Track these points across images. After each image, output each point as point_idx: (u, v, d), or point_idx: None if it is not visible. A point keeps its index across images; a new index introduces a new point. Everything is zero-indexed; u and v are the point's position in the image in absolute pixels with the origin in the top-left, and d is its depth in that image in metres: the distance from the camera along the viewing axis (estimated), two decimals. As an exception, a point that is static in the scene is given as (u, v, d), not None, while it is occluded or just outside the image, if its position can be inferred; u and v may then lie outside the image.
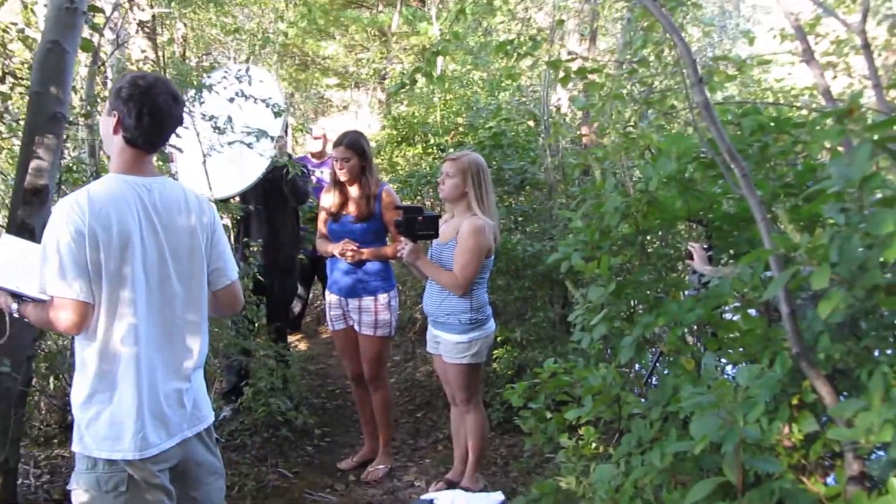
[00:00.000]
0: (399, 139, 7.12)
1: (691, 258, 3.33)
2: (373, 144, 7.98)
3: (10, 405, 3.82)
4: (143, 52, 8.42)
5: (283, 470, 4.80)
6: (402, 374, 6.68)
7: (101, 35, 4.38)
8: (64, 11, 3.63)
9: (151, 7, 8.26)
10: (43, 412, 6.25)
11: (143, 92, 2.43)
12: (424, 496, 3.01)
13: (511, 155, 5.60)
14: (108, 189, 2.45)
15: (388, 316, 4.52)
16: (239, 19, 11.16)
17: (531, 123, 6.21)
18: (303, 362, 6.95)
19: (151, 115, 2.45)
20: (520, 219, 5.77)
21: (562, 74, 2.17)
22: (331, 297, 4.66)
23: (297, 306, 7.47)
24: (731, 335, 2.50)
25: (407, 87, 2.84)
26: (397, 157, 7.35)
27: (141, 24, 8.43)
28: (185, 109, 2.60)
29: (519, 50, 2.62)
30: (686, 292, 3.30)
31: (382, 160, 7.55)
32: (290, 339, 7.70)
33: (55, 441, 5.89)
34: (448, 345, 4.11)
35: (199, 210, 2.63)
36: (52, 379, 6.02)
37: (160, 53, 8.77)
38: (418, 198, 6.48)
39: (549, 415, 3.05)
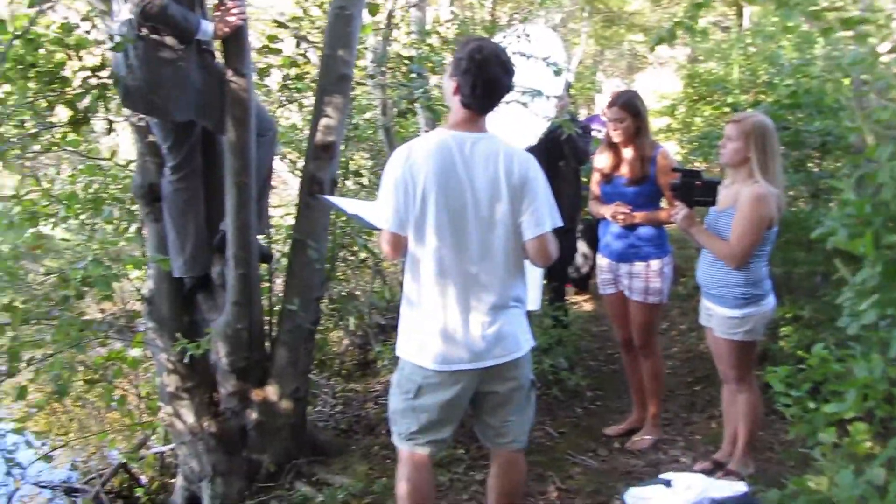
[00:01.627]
0: (695, 98, 6.76)
1: None
2: (668, 103, 7.68)
3: (298, 340, 4.21)
4: (451, 12, 8.74)
5: (549, 429, 4.85)
6: (685, 343, 6.42)
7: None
8: (350, -21, 3.87)
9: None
10: (346, 349, 6.81)
11: (478, 65, 2.77)
12: (663, 475, 2.88)
13: (814, 115, 5.07)
14: (428, 142, 2.89)
15: (659, 283, 4.34)
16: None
17: (845, 81, 5.58)
18: (584, 323, 6.93)
19: (484, 86, 2.79)
20: (821, 187, 5.23)
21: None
22: (601, 261, 4.57)
23: (584, 266, 7.44)
24: None
25: (663, 42, 2.66)
26: (693, 116, 6.99)
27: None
28: None
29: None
30: None
31: (677, 120, 7.22)
32: (577, 298, 7.72)
33: (354, 376, 6.41)
34: (720, 318, 3.86)
35: (508, 164, 2.87)
36: (352, 319, 6.55)
37: (464, 14, 9.04)
38: (711, 159, 6.12)
39: (812, 405, 2.76)
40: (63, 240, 5.31)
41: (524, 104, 4.44)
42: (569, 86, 5.57)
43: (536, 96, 4.40)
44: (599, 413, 5.18)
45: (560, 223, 3.01)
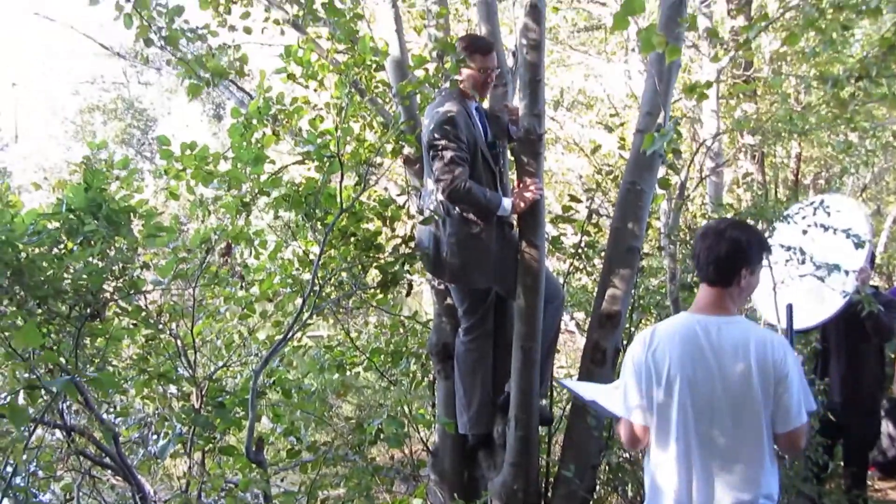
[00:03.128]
0: None
1: None
2: None
3: (572, 506, 4.19)
4: (748, 174, 8.63)
5: None
6: None
7: (679, 174, 4.68)
8: (642, 155, 4.00)
9: (760, 133, 8.41)
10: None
11: (698, 239, 2.81)
12: None
13: None
14: (672, 326, 2.79)
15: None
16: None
17: None
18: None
19: (704, 255, 2.74)
20: None
21: None
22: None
23: (891, 449, 6.76)
24: None
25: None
26: None
27: (746, 147, 8.69)
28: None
29: None
30: None
31: None
32: (881, 485, 6.99)
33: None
34: None
35: (761, 352, 2.68)
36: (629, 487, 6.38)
37: (766, 174, 8.86)
38: None
39: None
40: (364, 386, 5.77)
41: (821, 279, 4.25)
42: (873, 256, 5.25)
43: (834, 271, 4.20)
44: None
45: (813, 407, 2.77)
